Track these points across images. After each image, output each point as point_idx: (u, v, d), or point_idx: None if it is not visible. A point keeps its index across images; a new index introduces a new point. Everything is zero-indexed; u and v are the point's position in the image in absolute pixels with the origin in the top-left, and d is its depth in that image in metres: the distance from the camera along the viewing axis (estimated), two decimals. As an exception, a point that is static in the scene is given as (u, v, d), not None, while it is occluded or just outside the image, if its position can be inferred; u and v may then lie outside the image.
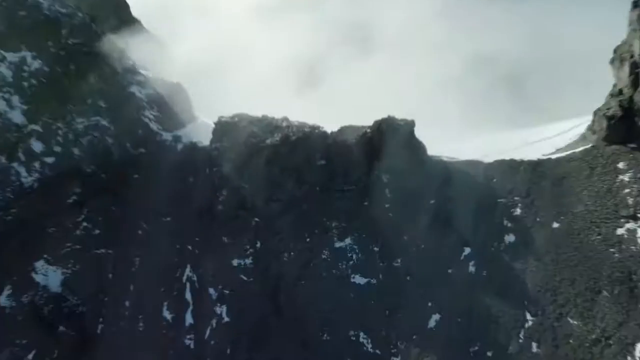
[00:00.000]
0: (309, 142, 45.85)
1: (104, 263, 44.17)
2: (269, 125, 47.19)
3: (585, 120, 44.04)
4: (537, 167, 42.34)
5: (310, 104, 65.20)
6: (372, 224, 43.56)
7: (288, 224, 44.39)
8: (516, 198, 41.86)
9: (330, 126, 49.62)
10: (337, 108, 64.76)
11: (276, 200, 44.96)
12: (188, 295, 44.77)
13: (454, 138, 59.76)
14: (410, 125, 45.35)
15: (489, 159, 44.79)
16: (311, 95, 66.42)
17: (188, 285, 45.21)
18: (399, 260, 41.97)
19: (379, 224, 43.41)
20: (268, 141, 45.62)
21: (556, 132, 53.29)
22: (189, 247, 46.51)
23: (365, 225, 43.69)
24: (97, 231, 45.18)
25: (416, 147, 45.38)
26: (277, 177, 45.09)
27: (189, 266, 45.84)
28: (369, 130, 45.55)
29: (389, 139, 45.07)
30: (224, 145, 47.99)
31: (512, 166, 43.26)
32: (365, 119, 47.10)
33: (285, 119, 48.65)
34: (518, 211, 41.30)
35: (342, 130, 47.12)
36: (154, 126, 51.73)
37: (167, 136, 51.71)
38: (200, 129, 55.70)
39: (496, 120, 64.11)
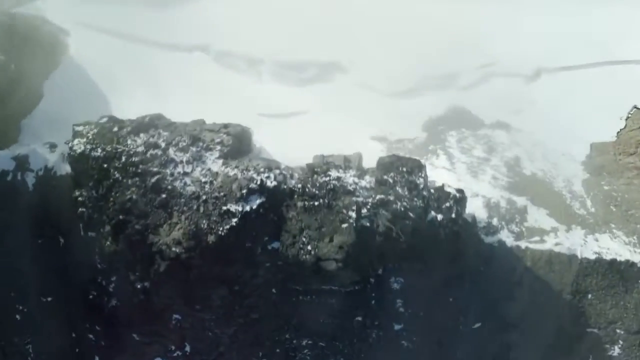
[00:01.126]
0: (249, 220, 22.91)
1: (-7, 353, 31.80)
2: (163, 177, 23.22)
3: None
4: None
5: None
6: (371, 357, 25.05)
7: (227, 344, 26.35)
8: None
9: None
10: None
11: (202, 310, 25.66)
12: (108, 397, 31.79)
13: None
14: (457, 196, 21.11)
15: (586, 250, 22.12)
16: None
17: (104, 384, 31.52)
18: None
19: (381, 358, 24.90)
20: (166, 238, 22.87)
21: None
22: (91, 337, 30.38)
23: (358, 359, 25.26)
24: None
25: (460, 227, 22.28)
26: (195, 280, 24.39)
27: (97, 359, 31.04)
28: (373, 199, 21.68)
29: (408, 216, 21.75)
30: (92, 198, 25.35)
31: (626, 278, 21.38)
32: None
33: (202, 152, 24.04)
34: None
35: (314, 168, 22.87)
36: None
37: (5, 161, 27.61)
38: (71, 79, 31.25)
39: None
